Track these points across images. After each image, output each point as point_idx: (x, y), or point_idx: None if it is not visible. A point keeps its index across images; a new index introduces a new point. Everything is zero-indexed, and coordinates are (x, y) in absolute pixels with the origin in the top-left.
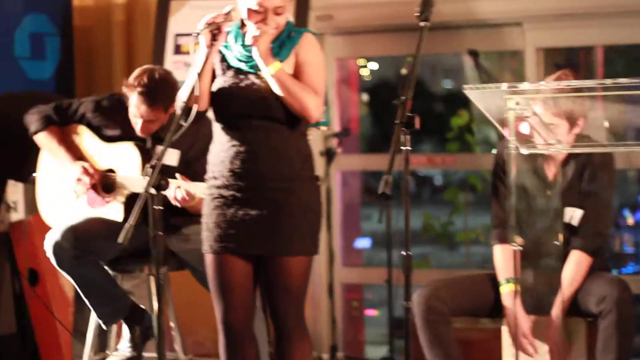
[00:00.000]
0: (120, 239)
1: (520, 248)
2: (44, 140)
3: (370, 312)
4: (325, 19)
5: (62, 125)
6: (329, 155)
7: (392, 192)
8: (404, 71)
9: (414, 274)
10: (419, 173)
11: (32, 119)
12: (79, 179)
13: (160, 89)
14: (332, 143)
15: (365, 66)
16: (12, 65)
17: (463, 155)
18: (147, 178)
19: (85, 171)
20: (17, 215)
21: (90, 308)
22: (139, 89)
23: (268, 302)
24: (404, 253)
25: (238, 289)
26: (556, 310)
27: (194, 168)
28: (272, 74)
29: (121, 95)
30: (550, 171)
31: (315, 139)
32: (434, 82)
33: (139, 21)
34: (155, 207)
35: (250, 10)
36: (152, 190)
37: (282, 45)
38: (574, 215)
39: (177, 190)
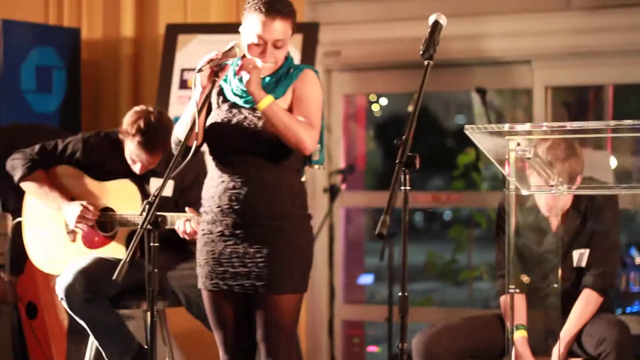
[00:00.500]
0: (115, 276)
1: (527, 280)
2: (31, 186)
3: (372, 349)
4: (333, 54)
5: (48, 168)
6: (332, 192)
7: (396, 229)
8: (410, 108)
9: (416, 312)
10: (429, 209)
11: (16, 164)
12: (80, 217)
13: (159, 135)
14: (337, 180)
15: (376, 102)
16: (18, 98)
17: (468, 193)
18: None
19: (86, 209)
20: None
21: (100, 349)
22: (137, 139)
23: (259, 339)
24: (400, 294)
25: (233, 325)
26: (562, 349)
27: (186, 196)
28: (262, 109)
29: (108, 132)
30: (553, 222)
31: (319, 176)
32: (447, 118)
33: (146, 55)
34: (152, 244)
35: (250, 45)
36: (149, 227)
37: (278, 81)
38: (582, 256)
39: (187, 223)
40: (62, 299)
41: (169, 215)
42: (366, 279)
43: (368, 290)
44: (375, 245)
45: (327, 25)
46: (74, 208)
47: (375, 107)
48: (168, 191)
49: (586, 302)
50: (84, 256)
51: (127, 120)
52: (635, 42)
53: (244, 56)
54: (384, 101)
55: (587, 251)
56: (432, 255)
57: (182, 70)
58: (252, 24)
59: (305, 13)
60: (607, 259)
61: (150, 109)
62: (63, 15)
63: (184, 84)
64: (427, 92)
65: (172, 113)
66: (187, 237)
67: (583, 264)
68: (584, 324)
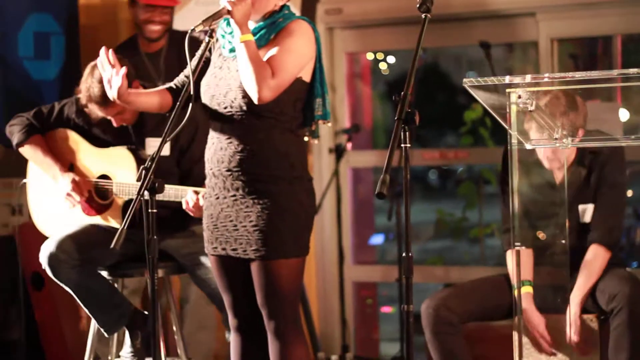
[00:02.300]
0: (112, 244)
1: (543, 236)
2: (29, 151)
3: (386, 309)
4: (334, 12)
5: (45, 132)
6: (338, 152)
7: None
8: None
9: (428, 270)
10: (443, 167)
11: (13, 130)
12: (68, 194)
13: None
14: (342, 139)
15: (383, 60)
16: (16, 65)
17: (476, 150)
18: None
19: (76, 186)
20: (22, 218)
21: (91, 317)
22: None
23: (259, 305)
24: (404, 255)
25: (238, 288)
26: (575, 308)
27: (189, 155)
28: (240, 41)
29: None
30: (558, 175)
31: (324, 136)
32: (458, 74)
33: None
34: (150, 210)
35: None
36: (146, 194)
37: (261, 29)
38: (586, 211)
39: (193, 197)
40: (45, 267)
41: (173, 187)
42: (377, 239)
43: (379, 250)
44: (386, 205)
45: None
46: (66, 181)
47: (382, 66)
48: (165, 150)
49: (594, 257)
50: (74, 223)
51: (83, 81)
52: None
53: None
54: (391, 59)
55: (591, 206)
56: (443, 213)
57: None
58: None
59: None
60: (613, 213)
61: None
62: None
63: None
64: (436, 48)
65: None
66: (191, 213)
67: (587, 220)
68: (595, 281)
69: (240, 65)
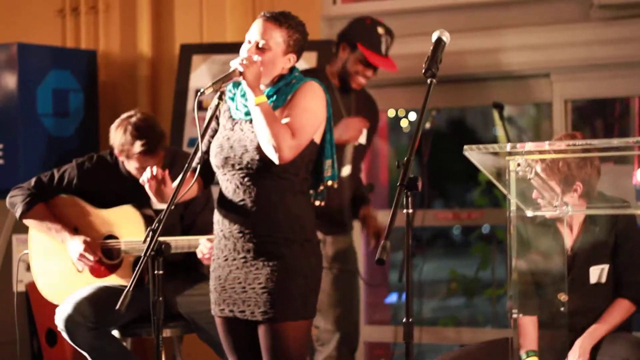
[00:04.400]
0: (118, 306)
1: (565, 299)
2: (33, 222)
3: None
4: None
5: (47, 200)
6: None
7: (425, 245)
8: (427, 125)
9: (440, 332)
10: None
11: (15, 201)
12: (81, 255)
13: (154, 132)
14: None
15: (405, 116)
16: (35, 122)
17: (489, 210)
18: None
19: (88, 246)
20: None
21: None
22: (137, 148)
23: None
24: (404, 320)
25: (243, 351)
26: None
27: (199, 220)
28: (255, 104)
29: (101, 154)
30: (570, 234)
31: None
32: (486, 130)
33: (164, 75)
34: (156, 271)
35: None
36: (153, 254)
37: (278, 91)
38: (602, 272)
39: (207, 244)
40: (61, 329)
41: (185, 238)
42: (391, 298)
43: (393, 308)
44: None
45: None
46: (77, 244)
47: (404, 123)
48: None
49: (617, 309)
50: (87, 286)
51: (117, 138)
52: None
53: None
54: (412, 116)
55: (606, 267)
56: (455, 273)
57: (197, 91)
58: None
59: (322, 30)
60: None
61: (126, 115)
62: (80, 37)
63: (199, 105)
64: (457, 106)
65: (186, 135)
66: (205, 262)
67: (603, 280)
68: (609, 330)
69: (258, 127)
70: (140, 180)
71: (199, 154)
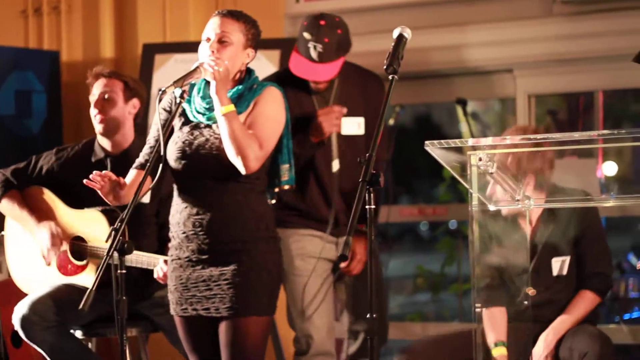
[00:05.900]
0: (81, 306)
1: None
2: (5, 207)
3: None
4: None
5: (22, 188)
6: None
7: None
8: (391, 122)
9: (407, 327)
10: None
11: None
12: (48, 251)
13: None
14: None
15: None
16: None
17: (454, 206)
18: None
19: (53, 235)
20: (1, 275)
21: None
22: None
23: None
24: (368, 316)
25: (205, 349)
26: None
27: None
28: (223, 113)
29: (85, 141)
30: (529, 227)
31: None
32: (451, 126)
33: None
34: (119, 271)
35: (201, 48)
36: (115, 255)
37: (241, 96)
38: (562, 264)
39: (164, 266)
40: (18, 329)
41: (146, 255)
42: None
43: None
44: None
45: None
46: (44, 234)
47: None
48: (145, 198)
49: (581, 300)
50: (49, 283)
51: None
52: (616, 47)
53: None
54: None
55: (567, 258)
56: (422, 269)
57: (159, 90)
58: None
59: (285, 28)
60: (603, 261)
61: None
62: (43, 38)
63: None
64: (423, 102)
65: (151, 134)
66: (161, 282)
67: (564, 272)
68: (574, 323)
69: (225, 137)
70: (85, 181)
71: (157, 155)
